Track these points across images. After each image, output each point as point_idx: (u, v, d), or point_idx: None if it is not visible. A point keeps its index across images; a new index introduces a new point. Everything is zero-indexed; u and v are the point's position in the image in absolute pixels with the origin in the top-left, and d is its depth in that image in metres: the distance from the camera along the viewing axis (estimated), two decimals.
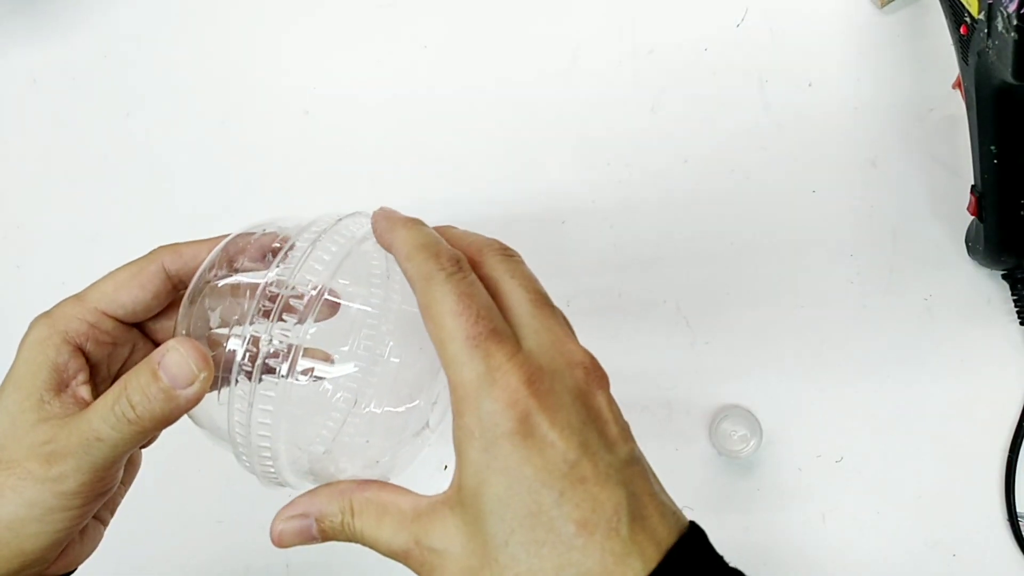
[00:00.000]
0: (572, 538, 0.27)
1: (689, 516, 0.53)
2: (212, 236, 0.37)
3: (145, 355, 0.32)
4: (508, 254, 0.33)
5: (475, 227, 0.57)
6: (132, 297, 0.34)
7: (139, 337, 0.36)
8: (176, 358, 0.31)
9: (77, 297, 0.35)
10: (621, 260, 0.55)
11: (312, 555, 0.55)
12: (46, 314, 0.34)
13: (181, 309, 0.34)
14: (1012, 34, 0.36)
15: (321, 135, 0.60)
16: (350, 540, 0.33)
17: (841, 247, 0.53)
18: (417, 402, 0.35)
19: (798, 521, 0.51)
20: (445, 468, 0.55)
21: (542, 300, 0.32)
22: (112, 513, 0.37)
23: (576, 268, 0.55)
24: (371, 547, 0.32)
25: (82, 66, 0.64)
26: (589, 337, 0.55)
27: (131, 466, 0.37)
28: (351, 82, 0.60)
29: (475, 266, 0.32)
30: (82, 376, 0.34)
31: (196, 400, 0.32)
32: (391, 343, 0.33)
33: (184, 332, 0.33)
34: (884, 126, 0.53)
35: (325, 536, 0.33)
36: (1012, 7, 0.36)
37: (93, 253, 0.62)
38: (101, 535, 0.37)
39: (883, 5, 0.54)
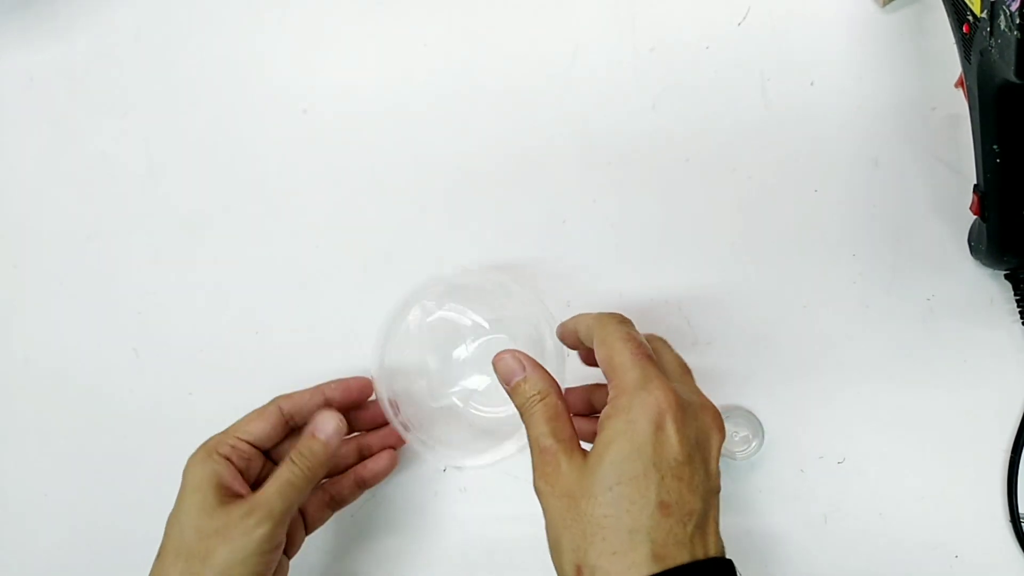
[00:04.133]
0: (654, 510, 0.37)
1: None
2: (316, 384, 0.50)
3: (269, 471, 0.47)
4: (662, 338, 0.46)
5: (474, 226, 0.57)
6: (258, 427, 0.48)
7: (265, 460, 0.49)
8: (324, 422, 0.47)
9: (223, 432, 0.48)
10: (621, 260, 0.55)
11: (309, 557, 0.55)
12: (203, 444, 0.47)
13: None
14: (1015, 32, 0.36)
15: (320, 134, 0.60)
16: (521, 409, 0.43)
17: (843, 247, 0.53)
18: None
19: (800, 522, 0.50)
20: (444, 470, 0.55)
21: (687, 369, 0.45)
22: None
23: (576, 268, 0.55)
24: (528, 427, 0.42)
25: (79, 65, 0.64)
26: None
27: (281, 572, 0.48)
28: (350, 81, 0.60)
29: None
30: (237, 479, 0.46)
31: (338, 444, 0.47)
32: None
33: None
34: (886, 125, 0.53)
35: (513, 390, 0.43)
36: (1015, 6, 0.35)
37: (90, 253, 0.61)
38: None
39: (885, 4, 0.54)
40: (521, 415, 0.43)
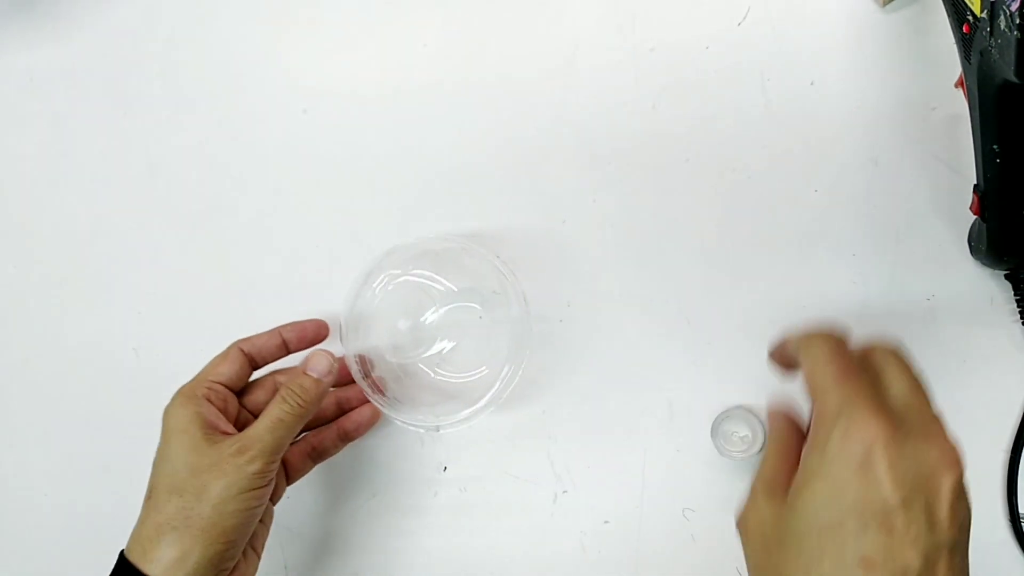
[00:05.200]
0: (852, 566, 0.32)
1: (691, 517, 0.53)
2: (273, 327, 0.52)
3: (245, 417, 0.49)
4: (898, 351, 0.38)
5: (475, 227, 0.57)
6: (226, 369, 0.49)
7: (239, 405, 0.50)
8: (317, 360, 0.48)
9: (193, 379, 0.49)
10: (621, 260, 0.55)
11: (309, 557, 0.55)
12: (178, 391, 0.48)
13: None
14: (1015, 32, 0.36)
15: (320, 134, 0.60)
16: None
17: (843, 247, 0.53)
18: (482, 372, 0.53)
19: None
20: (444, 470, 0.55)
21: (922, 388, 0.37)
22: (261, 550, 0.48)
23: (576, 268, 0.55)
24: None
25: (80, 65, 0.64)
26: (590, 337, 0.56)
27: (267, 518, 0.49)
28: (350, 81, 0.60)
29: (865, 353, 0.38)
30: (221, 418, 0.47)
31: (330, 383, 0.48)
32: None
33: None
34: (886, 125, 0.53)
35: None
36: (1015, 6, 0.35)
37: (91, 253, 0.62)
38: (256, 566, 0.48)
39: (885, 4, 0.54)
40: None
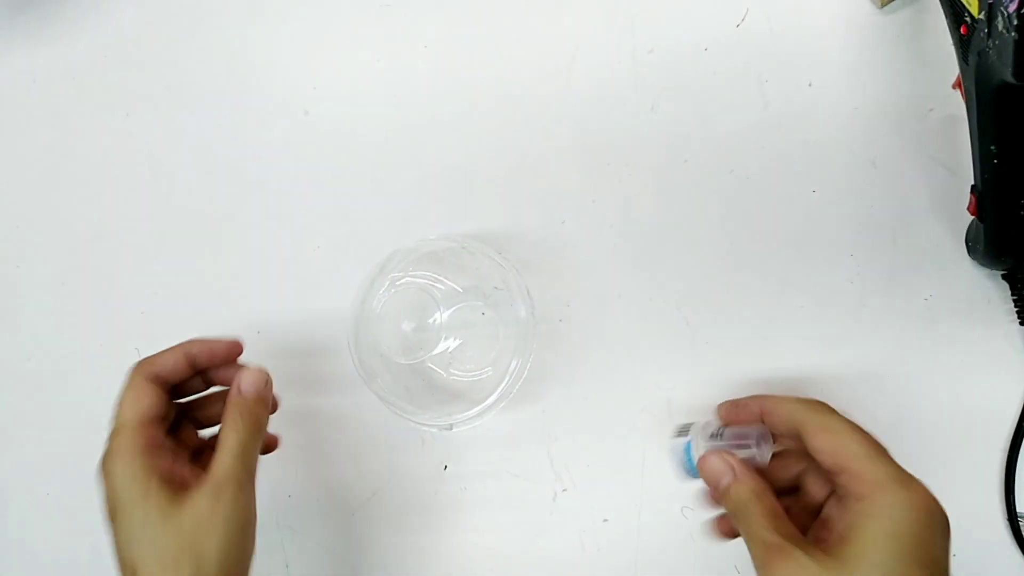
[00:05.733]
0: None
1: (689, 516, 0.53)
2: (175, 344, 0.48)
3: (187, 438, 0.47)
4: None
5: (475, 228, 0.57)
6: (144, 404, 0.44)
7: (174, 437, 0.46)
8: (248, 377, 0.46)
9: (116, 430, 0.44)
10: (621, 260, 0.55)
11: (311, 556, 0.55)
12: (112, 448, 0.43)
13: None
14: (1012, 34, 0.36)
15: (321, 135, 0.60)
16: (736, 510, 0.41)
17: (841, 247, 0.53)
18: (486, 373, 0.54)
19: None
20: (445, 468, 0.55)
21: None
22: None
23: (576, 268, 0.55)
24: (744, 525, 0.41)
25: (82, 66, 0.64)
26: (588, 338, 0.56)
27: None
28: (351, 82, 0.60)
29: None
30: (178, 458, 0.44)
31: (270, 391, 0.46)
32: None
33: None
34: (884, 126, 0.53)
35: (723, 494, 0.42)
36: (1012, 7, 0.36)
37: (93, 253, 0.62)
38: None
39: (883, 5, 0.54)
40: (734, 516, 0.42)
